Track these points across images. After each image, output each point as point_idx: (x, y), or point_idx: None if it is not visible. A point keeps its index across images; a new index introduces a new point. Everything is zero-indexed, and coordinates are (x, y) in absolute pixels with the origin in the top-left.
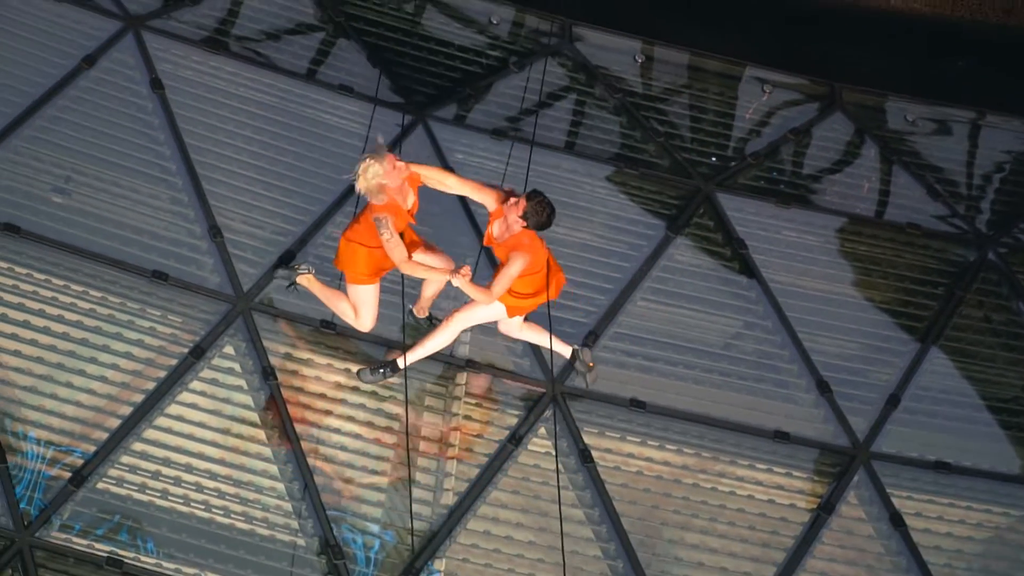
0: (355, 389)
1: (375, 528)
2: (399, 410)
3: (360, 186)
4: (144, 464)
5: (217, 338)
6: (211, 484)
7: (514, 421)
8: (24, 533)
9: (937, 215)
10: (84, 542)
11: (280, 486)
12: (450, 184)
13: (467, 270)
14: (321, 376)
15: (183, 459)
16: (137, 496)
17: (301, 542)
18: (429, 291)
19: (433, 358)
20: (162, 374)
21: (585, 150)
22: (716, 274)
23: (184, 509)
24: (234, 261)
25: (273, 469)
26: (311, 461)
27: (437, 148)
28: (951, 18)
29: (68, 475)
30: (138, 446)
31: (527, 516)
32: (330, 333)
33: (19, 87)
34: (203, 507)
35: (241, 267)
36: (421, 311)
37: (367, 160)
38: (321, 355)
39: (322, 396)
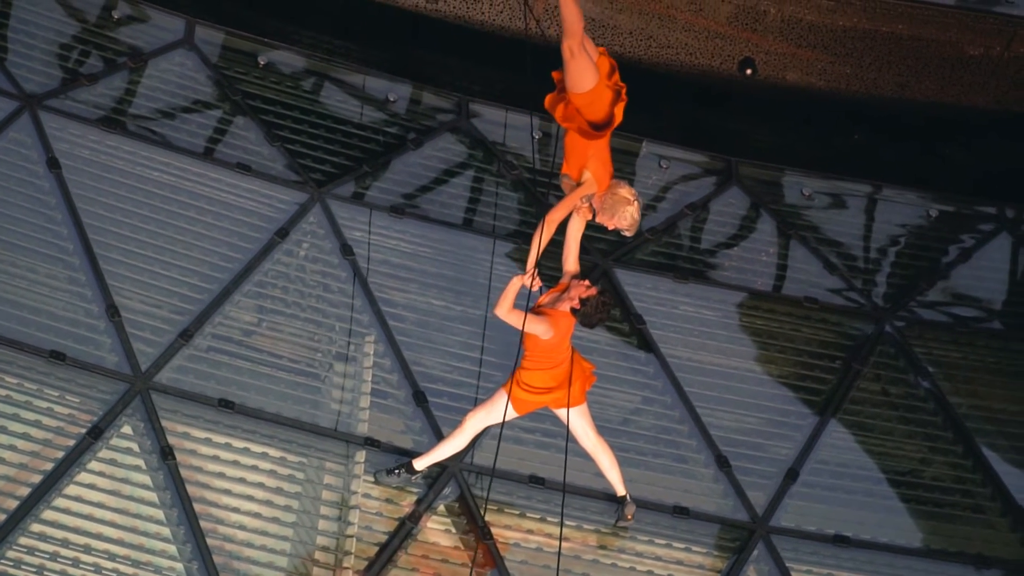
0: (254, 468)
1: None
2: (298, 488)
3: (632, 210)
4: (42, 545)
5: (115, 418)
6: (110, 565)
7: (414, 499)
8: None
9: (834, 289)
10: None
11: (179, 566)
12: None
13: (534, 283)
14: (219, 455)
15: (82, 540)
16: None
17: None
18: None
19: (331, 436)
20: (60, 454)
21: (483, 227)
22: (614, 349)
23: None
24: (132, 340)
25: (172, 549)
26: (210, 541)
27: (335, 226)
28: (847, 92)
29: None
30: (36, 527)
31: None
32: (228, 412)
33: None
34: None
35: (139, 346)
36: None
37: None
38: (219, 434)
39: (221, 475)
